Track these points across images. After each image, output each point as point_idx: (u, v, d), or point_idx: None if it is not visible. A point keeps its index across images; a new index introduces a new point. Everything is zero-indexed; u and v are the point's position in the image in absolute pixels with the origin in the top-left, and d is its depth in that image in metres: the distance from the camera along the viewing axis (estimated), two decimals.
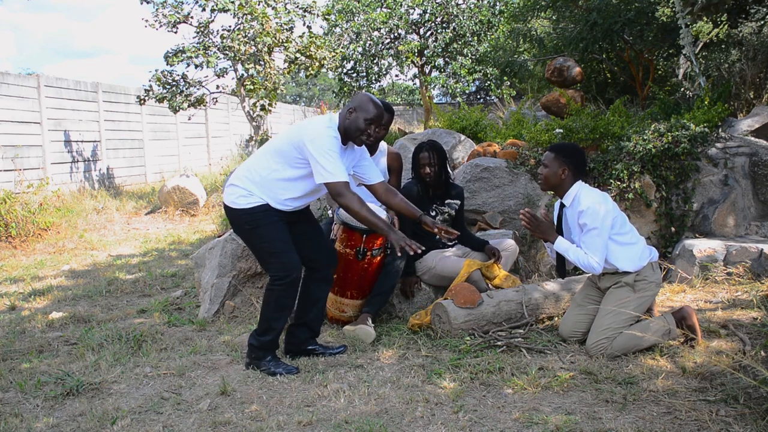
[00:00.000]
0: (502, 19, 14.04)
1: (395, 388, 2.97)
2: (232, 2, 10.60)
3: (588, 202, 3.32)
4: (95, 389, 3.08)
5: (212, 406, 2.85)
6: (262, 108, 11.25)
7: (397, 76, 16.48)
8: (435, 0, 14.50)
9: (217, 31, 11.12)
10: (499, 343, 3.47)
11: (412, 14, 14.87)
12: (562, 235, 3.49)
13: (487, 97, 19.12)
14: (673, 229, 4.97)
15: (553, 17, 9.55)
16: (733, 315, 3.85)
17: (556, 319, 3.89)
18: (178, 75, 11.13)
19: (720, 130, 5.53)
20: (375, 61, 14.97)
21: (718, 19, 7.57)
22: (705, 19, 7.71)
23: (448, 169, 4.26)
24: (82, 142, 11.31)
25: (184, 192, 9.47)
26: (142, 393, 3.03)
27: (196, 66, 10.80)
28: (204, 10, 10.90)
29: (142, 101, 11.33)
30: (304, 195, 3.24)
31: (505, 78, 13.17)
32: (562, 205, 3.50)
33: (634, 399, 2.76)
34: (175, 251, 6.93)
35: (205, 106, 11.64)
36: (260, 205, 3.18)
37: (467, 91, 18.12)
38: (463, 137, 5.77)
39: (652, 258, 3.45)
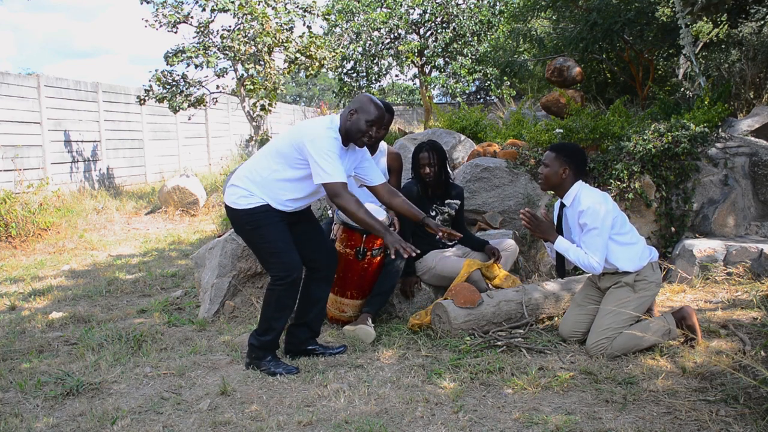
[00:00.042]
0: (502, 19, 14.05)
1: (395, 388, 2.97)
2: (232, 2, 10.60)
3: (588, 202, 3.32)
4: (95, 389, 3.08)
5: (212, 406, 2.85)
6: (262, 108, 11.25)
7: (397, 76, 16.50)
8: (435, 0, 14.50)
9: (217, 31, 11.12)
10: (499, 343, 3.47)
11: (412, 14, 14.87)
12: (563, 235, 3.49)
13: (487, 97, 19.12)
14: (673, 229, 4.97)
15: (553, 17, 9.55)
16: (733, 315, 3.85)
17: (556, 319, 3.89)
18: (178, 75, 11.13)
19: (720, 130, 5.53)
20: (375, 61, 14.97)
21: (718, 19, 7.57)
22: (705, 19, 7.71)
23: (448, 169, 4.26)
24: (82, 142, 11.31)
25: (184, 192, 9.47)
26: (142, 393, 3.03)
27: (196, 66, 10.80)
28: (204, 10, 10.90)
29: (142, 101, 11.33)
30: (304, 196, 3.25)
31: (505, 78, 13.17)
32: (563, 205, 3.50)
33: (634, 399, 2.76)
34: (175, 251, 6.93)
35: (205, 106, 11.64)
36: (261, 206, 3.19)
37: (467, 91, 18.12)
38: (463, 137, 5.77)
39: (652, 258, 3.45)
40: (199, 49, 10.74)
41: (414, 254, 3.04)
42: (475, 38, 14.62)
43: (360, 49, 14.70)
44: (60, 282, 5.65)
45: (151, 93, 11.03)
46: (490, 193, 5.00)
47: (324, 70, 12.12)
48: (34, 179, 9.23)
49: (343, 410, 2.75)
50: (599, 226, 3.29)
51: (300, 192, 3.22)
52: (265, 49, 10.83)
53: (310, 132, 3.11)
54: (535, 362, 3.22)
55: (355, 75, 15.34)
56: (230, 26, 11.12)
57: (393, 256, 3.07)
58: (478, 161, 5.09)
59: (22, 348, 3.78)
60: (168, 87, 11.00)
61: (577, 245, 3.40)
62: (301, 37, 11.42)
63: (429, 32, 15.30)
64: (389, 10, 14.25)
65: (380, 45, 14.70)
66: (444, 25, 14.91)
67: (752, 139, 5.45)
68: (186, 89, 11.08)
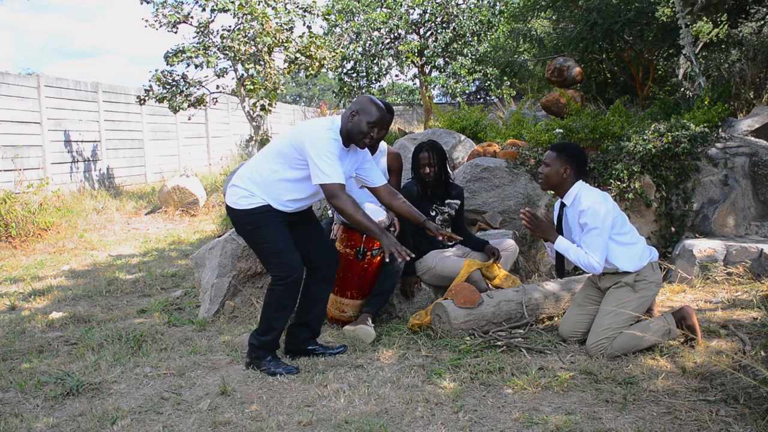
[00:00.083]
0: (502, 19, 14.05)
1: (395, 388, 2.97)
2: (232, 2, 10.60)
3: (589, 202, 3.32)
4: (95, 389, 3.08)
5: (212, 406, 2.85)
6: (262, 108, 11.24)
7: (397, 76, 16.50)
8: (435, 0, 14.50)
9: (217, 31, 11.11)
10: (499, 343, 3.47)
11: (412, 14, 14.87)
12: (563, 235, 3.49)
13: (487, 97, 19.12)
14: (673, 229, 4.97)
15: (553, 17, 9.55)
16: (733, 315, 3.85)
17: (556, 319, 3.89)
18: (178, 75, 11.13)
19: (720, 130, 5.53)
20: (375, 61, 14.97)
21: (718, 19, 7.57)
22: (705, 19, 7.71)
23: (448, 169, 4.26)
24: (82, 142, 11.31)
25: (184, 192, 9.47)
26: (142, 393, 3.03)
27: (196, 66, 10.79)
28: (204, 10, 10.90)
29: (142, 101, 11.33)
30: (305, 196, 3.25)
31: (505, 78, 13.17)
32: (563, 205, 3.50)
33: (634, 399, 2.76)
34: (175, 251, 6.93)
35: (205, 106, 11.64)
36: (262, 206, 3.19)
37: (467, 91, 18.13)
38: (463, 137, 5.77)
39: (652, 258, 3.45)
40: (199, 49, 10.74)
41: (408, 258, 3.04)
42: (475, 38, 14.62)
43: (360, 49, 14.70)
44: (60, 282, 5.65)
45: (151, 93, 11.03)
46: (490, 193, 5.00)
47: (324, 70, 12.12)
48: (34, 179, 9.23)
49: (343, 410, 2.75)
50: (599, 226, 3.29)
51: (301, 192, 3.22)
52: (265, 49, 10.83)
53: (310, 132, 3.12)
54: (535, 362, 3.22)
55: (355, 75, 15.34)
56: (230, 26, 11.12)
57: (387, 260, 3.07)
58: (478, 161, 5.09)
59: (22, 348, 3.78)
60: (168, 87, 10.99)
61: (577, 245, 3.40)
62: (301, 37, 11.42)
63: (429, 32, 15.30)
64: (389, 10, 14.25)
65: (380, 45, 14.70)
66: (444, 25, 14.91)
67: (752, 139, 5.45)
68: (186, 89, 11.08)
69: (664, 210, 4.99)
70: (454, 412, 2.70)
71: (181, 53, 10.73)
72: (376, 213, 3.82)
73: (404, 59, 14.66)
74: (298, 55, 11.14)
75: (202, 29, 10.96)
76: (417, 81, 16.77)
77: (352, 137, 3.19)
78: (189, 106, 11.19)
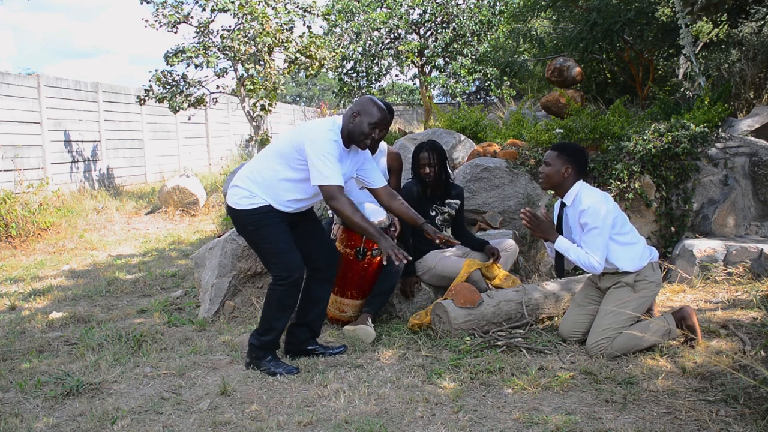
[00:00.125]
0: (502, 19, 14.05)
1: (395, 388, 2.97)
2: (232, 2, 10.59)
3: (589, 202, 3.32)
4: (95, 389, 3.08)
5: (212, 406, 2.85)
6: (262, 108, 11.24)
7: (397, 76, 16.49)
8: (435, 0, 14.50)
9: (217, 31, 11.11)
10: (499, 343, 3.47)
11: (412, 14, 14.87)
12: (563, 235, 3.49)
13: (487, 97, 19.12)
14: (673, 229, 4.97)
15: (553, 17, 9.56)
16: (733, 315, 3.85)
17: (556, 319, 3.89)
18: (178, 75, 11.12)
19: (720, 130, 5.53)
20: (375, 61, 14.97)
21: (718, 19, 7.57)
22: (705, 19, 7.71)
23: (448, 169, 4.26)
24: (82, 142, 11.31)
25: (184, 192, 9.47)
26: (142, 393, 3.03)
27: (196, 66, 10.79)
28: (204, 10, 10.89)
29: (142, 101, 11.33)
30: (306, 197, 3.25)
31: (505, 78, 13.17)
32: (563, 205, 3.50)
33: (634, 399, 2.76)
34: (175, 251, 6.93)
35: (205, 106, 11.64)
36: (262, 206, 3.19)
37: (467, 91, 18.12)
38: (463, 137, 5.77)
39: (652, 258, 3.45)
40: (199, 49, 10.73)
41: (406, 261, 3.05)
42: (475, 38, 14.62)
43: (360, 49, 14.69)
44: (60, 282, 5.65)
45: (151, 93, 11.03)
46: (490, 193, 5.00)
47: (324, 70, 12.12)
48: (34, 179, 9.23)
49: (343, 410, 2.75)
50: (600, 226, 3.29)
51: (301, 193, 3.22)
52: (265, 49, 10.82)
53: (310, 133, 3.12)
54: (535, 362, 3.22)
55: (355, 75, 15.34)
56: (230, 26, 11.11)
57: (385, 262, 3.08)
58: (478, 161, 5.09)
59: (22, 348, 3.78)
60: (168, 87, 10.99)
61: (577, 245, 3.40)
62: (301, 37, 11.41)
63: (429, 32, 15.30)
64: (389, 10, 14.25)
65: (380, 45, 14.70)
66: (444, 25, 14.91)
67: (752, 139, 5.45)
68: (186, 89, 11.07)
69: (664, 210, 4.99)
70: (454, 412, 2.70)
71: (181, 53, 10.73)
72: (377, 213, 3.82)
73: (404, 59, 14.66)
74: (298, 55, 11.14)
75: (202, 29, 10.96)
76: (417, 81, 16.77)
77: (353, 138, 3.19)
78: (189, 106, 11.19)
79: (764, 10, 7.40)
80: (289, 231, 3.24)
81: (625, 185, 4.88)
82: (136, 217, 9.47)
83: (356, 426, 2.59)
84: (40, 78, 10.34)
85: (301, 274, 3.21)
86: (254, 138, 11.78)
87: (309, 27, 11.69)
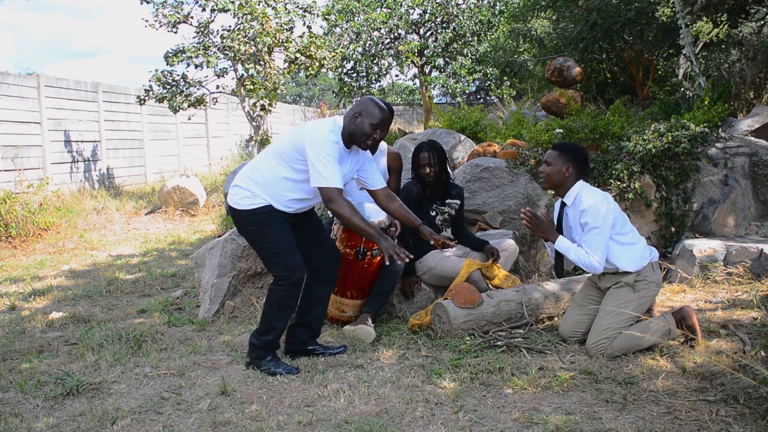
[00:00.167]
0: (502, 19, 14.05)
1: (395, 388, 2.97)
2: (232, 2, 10.59)
3: (590, 201, 3.32)
4: (95, 389, 3.08)
5: (212, 406, 2.86)
6: (262, 108, 11.24)
7: (397, 76, 16.49)
8: (435, 0, 14.50)
9: (217, 31, 11.11)
10: (499, 343, 3.47)
11: (412, 14, 14.87)
12: (563, 235, 3.49)
13: (487, 97, 19.12)
14: (673, 229, 4.97)
15: (553, 17, 9.55)
16: (733, 315, 3.85)
17: (556, 319, 3.89)
18: (178, 75, 11.12)
19: (720, 130, 5.53)
20: (375, 61, 14.97)
21: (718, 19, 7.57)
22: (705, 19, 7.71)
23: (448, 169, 4.26)
24: (82, 142, 11.31)
25: (184, 192, 9.47)
26: (142, 393, 3.03)
27: (196, 66, 10.78)
28: (204, 10, 10.89)
29: (142, 101, 11.33)
30: (307, 197, 3.25)
31: (505, 78, 13.17)
32: (563, 204, 3.50)
33: (634, 399, 2.76)
34: (175, 251, 6.93)
35: (205, 106, 11.63)
36: (263, 206, 3.20)
37: (467, 91, 18.12)
38: (463, 137, 5.77)
39: (652, 258, 3.45)
40: (199, 49, 10.73)
41: (407, 260, 3.05)
42: (475, 38, 14.62)
43: (360, 49, 14.69)
44: (60, 282, 5.65)
45: (151, 93, 11.03)
46: (490, 193, 5.00)
47: (324, 70, 12.11)
48: (34, 179, 9.23)
49: (343, 410, 2.75)
50: (600, 225, 3.29)
51: (302, 193, 3.22)
52: (265, 49, 10.82)
53: (311, 134, 3.12)
54: (535, 362, 3.22)
55: (355, 75, 15.34)
56: (230, 26, 11.11)
57: (388, 262, 3.08)
58: (478, 161, 5.09)
59: (22, 348, 3.78)
60: (168, 87, 10.99)
61: (577, 245, 3.40)
62: (301, 37, 11.41)
63: (429, 32, 15.30)
64: (389, 10, 14.25)
65: (380, 45, 14.70)
66: (444, 25, 14.91)
67: (752, 139, 5.45)
68: (186, 89, 11.07)
69: (664, 210, 4.99)
70: (454, 412, 2.70)
71: (181, 53, 10.72)
72: (377, 213, 3.82)
73: (404, 59, 14.65)
74: (298, 55, 11.14)
75: (202, 29, 10.96)
76: (417, 81, 16.77)
77: (354, 139, 3.19)
78: (189, 106, 11.18)
79: (764, 10, 7.40)
80: (290, 231, 3.24)
81: (625, 185, 4.88)
82: (136, 217, 9.47)
83: (356, 426, 2.59)
84: (40, 78, 10.34)
85: (301, 275, 3.21)
86: (254, 138, 11.77)
87: (309, 27, 11.69)
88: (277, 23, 11.04)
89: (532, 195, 4.99)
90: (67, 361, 3.50)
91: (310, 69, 11.47)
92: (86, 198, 10.01)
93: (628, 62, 8.13)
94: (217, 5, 10.65)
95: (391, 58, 14.90)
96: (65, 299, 5.00)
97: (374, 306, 3.88)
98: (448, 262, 4.06)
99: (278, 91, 11.39)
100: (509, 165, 5.08)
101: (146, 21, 10.91)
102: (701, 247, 4.63)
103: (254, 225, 3.21)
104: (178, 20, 10.85)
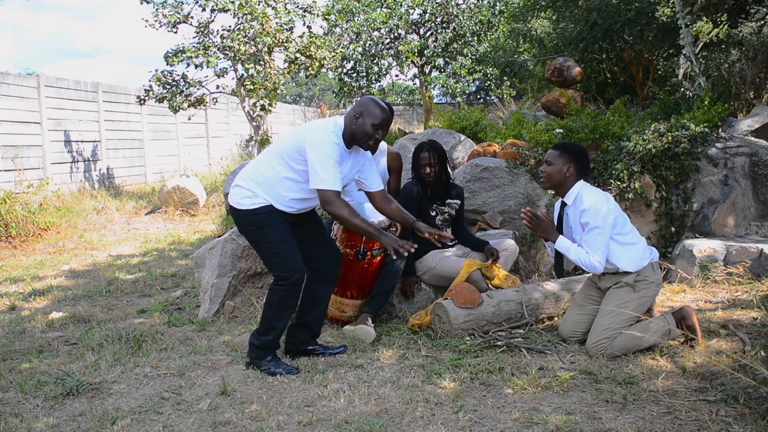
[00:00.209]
0: (502, 19, 14.05)
1: (395, 388, 2.97)
2: (232, 2, 10.59)
3: (590, 201, 3.32)
4: (95, 389, 3.08)
5: (212, 406, 2.86)
6: (262, 108, 11.24)
7: (397, 76, 16.49)
8: (435, 0, 14.50)
9: (217, 31, 11.11)
10: (499, 343, 3.47)
11: (412, 14, 14.87)
12: (563, 235, 3.49)
13: (487, 97, 19.12)
14: (673, 229, 4.97)
15: (553, 17, 9.56)
16: (733, 315, 3.85)
17: (556, 319, 3.89)
18: (178, 75, 11.12)
19: (720, 130, 5.53)
20: (375, 61, 14.97)
21: (718, 19, 7.57)
22: (705, 19, 7.72)
23: (448, 169, 4.26)
24: (82, 142, 11.31)
25: (184, 192, 9.47)
26: (142, 393, 3.03)
27: (196, 66, 10.78)
28: (204, 10, 10.89)
29: (142, 101, 11.33)
30: (307, 197, 3.25)
31: (505, 78, 13.17)
32: (564, 204, 3.50)
33: (634, 399, 2.76)
34: (175, 251, 6.93)
35: (205, 106, 11.63)
36: (264, 206, 3.20)
37: (467, 91, 18.12)
38: (463, 137, 5.77)
39: (652, 258, 3.45)
40: (199, 49, 10.73)
41: (413, 250, 3.04)
42: (475, 38, 14.62)
43: (360, 49, 14.69)
44: (60, 282, 5.65)
45: (151, 93, 11.03)
46: (490, 193, 5.00)
47: (324, 70, 12.11)
48: (34, 179, 9.23)
49: (343, 410, 2.75)
50: (601, 225, 3.29)
51: (303, 193, 3.22)
52: (265, 49, 10.82)
53: (312, 135, 3.12)
54: (535, 362, 3.22)
55: (355, 75, 15.34)
56: (230, 26, 11.11)
57: (394, 257, 3.07)
58: (478, 161, 5.09)
59: (22, 348, 3.78)
60: (168, 87, 10.99)
61: (578, 245, 3.40)
62: (301, 37, 11.41)
63: (429, 32, 15.30)
64: (389, 10, 14.25)
65: (380, 45, 14.70)
66: (444, 25, 14.91)
67: (752, 139, 5.45)
68: (186, 89, 11.07)
69: (664, 210, 4.99)
70: (454, 412, 2.70)
71: (181, 53, 10.72)
72: (376, 213, 3.82)
73: (404, 59, 14.65)
74: (298, 55, 11.14)
75: (202, 29, 10.96)
76: (417, 81, 16.77)
77: (356, 139, 3.19)
78: (189, 106, 11.18)
79: (764, 10, 7.40)
80: (290, 231, 3.25)
81: (625, 185, 4.88)
82: (136, 217, 9.47)
83: (356, 426, 2.59)
84: (40, 78, 10.34)
85: (302, 275, 3.21)
86: (254, 138, 11.77)
87: (309, 27, 11.69)
88: (277, 23, 11.04)
89: (532, 195, 4.99)
90: (67, 361, 3.50)
91: (310, 69, 11.47)
92: (86, 198, 10.01)
93: (628, 62, 8.13)
94: (217, 5, 10.65)
95: (391, 58, 14.90)
96: (65, 299, 5.00)
97: (374, 306, 3.88)
98: (448, 262, 4.06)
99: (278, 91, 11.39)
100: (509, 165, 5.08)
101: (146, 21, 10.91)
102: (701, 247, 4.63)
103: (255, 225, 3.22)
104: (178, 20, 10.85)
